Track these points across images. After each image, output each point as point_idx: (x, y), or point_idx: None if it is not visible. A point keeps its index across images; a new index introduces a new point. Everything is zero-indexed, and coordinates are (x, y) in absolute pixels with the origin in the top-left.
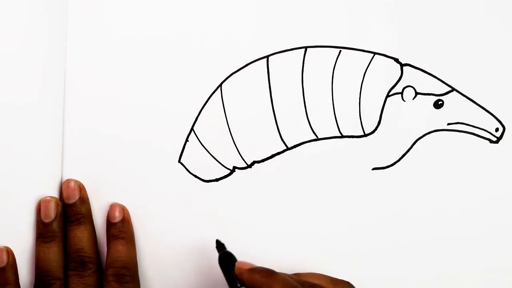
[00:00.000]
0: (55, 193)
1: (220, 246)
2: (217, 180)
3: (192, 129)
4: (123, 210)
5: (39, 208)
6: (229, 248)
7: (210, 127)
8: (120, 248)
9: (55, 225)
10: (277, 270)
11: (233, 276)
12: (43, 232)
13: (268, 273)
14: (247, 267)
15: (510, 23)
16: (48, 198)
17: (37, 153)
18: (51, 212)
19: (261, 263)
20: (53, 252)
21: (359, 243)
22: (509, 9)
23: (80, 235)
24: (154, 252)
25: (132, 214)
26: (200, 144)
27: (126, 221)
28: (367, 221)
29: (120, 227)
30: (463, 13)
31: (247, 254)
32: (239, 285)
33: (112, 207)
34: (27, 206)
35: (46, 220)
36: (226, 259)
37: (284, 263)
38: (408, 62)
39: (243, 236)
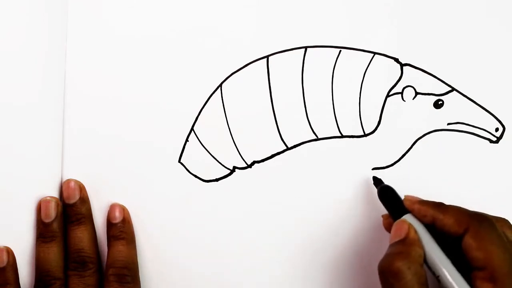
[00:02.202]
0: (55, 193)
1: (377, 181)
2: (217, 180)
3: (192, 129)
4: (124, 210)
5: (39, 208)
6: (228, 248)
7: (210, 127)
8: (120, 248)
9: (55, 225)
10: (276, 267)
11: (400, 205)
12: (43, 232)
13: (440, 204)
14: (417, 199)
15: (510, 23)
16: (48, 198)
17: (37, 153)
18: (52, 212)
19: (261, 262)
20: (53, 252)
21: (359, 242)
22: (509, 9)
23: (80, 235)
24: (155, 252)
25: (132, 214)
26: (200, 144)
27: (126, 221)
28: (367, 221)
29: (121, 228)
30: (463, 13)
31: (247, 253)
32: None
33: (112, 207)
34: (27, 206)
35: (47, 220)
36: (387, 192)
37: (285, 262)
38: (408, 62)
39: (243, 236)
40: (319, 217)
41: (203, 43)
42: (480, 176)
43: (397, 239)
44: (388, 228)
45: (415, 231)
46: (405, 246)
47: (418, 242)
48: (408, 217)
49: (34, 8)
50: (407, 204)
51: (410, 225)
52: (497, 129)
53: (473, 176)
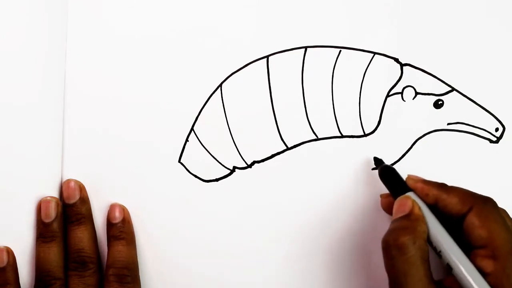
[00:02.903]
0: (55, 193)
1: (378, 161)
2: (217, 180)
3: (192, 129)
4: (124, 210)
5: (39, 208)
6: (228, 247)
7: (210, 127)
8: (120, 248)
9: (55, 225)
10: (276, 268)
11: (402, 184)
12: (43, 232)
13: (443, 184)
14: (420, 178)
15: (510, 23)
16: (48, 198)
17: (37, 153)
18: (52, 212)
19: (261, 262)
20: (53, 252)
21: (360, 242)
22: (509, 9)
23: (80, 235)
24: (155, 252)
25: (132, 214)
26: (200, 144)
27: (126, 221)
28: (368, 221)
29: (121, 228)
30: (463, 13)
31: (248, 253)
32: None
33: (112, 207)
34: (27, 206)
35: (47, 220)
36: (388, 171)
37: (284, 261)
38: (408, 62)
39: (243, 236)
40: (319, 217)
41: (203, 43)
42: (480, 176)
43: (401, 215)
44: (386, 207)
45: (419, 208)
46: (410, 221)
47: (423, 218)
48: (411, 194)
49: (34, 8)
50: (410, 182)
51: (414, 201)
52: (497, 129)
53: (473, 176)
